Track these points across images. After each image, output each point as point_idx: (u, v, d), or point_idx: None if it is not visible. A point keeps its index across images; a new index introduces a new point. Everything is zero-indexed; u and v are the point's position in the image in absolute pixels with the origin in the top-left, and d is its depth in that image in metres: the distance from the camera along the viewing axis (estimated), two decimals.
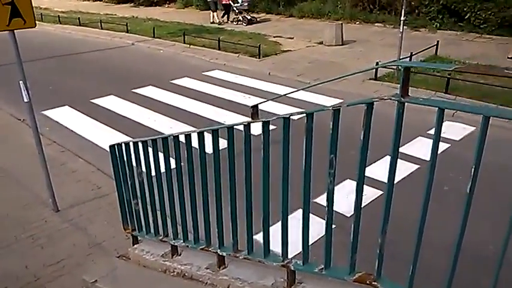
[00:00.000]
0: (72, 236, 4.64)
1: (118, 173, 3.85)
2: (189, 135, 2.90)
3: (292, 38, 14.95)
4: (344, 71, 10.91)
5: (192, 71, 11.43)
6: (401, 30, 9.50)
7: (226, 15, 18.41)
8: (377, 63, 9.91)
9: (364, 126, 1.84)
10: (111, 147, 3.81)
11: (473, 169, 1.55)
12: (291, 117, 2.30)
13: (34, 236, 4.61)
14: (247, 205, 2.59)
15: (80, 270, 3.96)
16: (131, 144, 3.49)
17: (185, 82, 10.58)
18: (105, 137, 7.45)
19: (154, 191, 3.43)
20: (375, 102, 1.74)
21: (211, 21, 18.30)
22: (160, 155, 3.17)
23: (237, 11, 17.84)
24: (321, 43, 13.86)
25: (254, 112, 2.36)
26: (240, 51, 12.97)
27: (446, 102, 1.58)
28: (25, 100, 4.54)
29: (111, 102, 9.25)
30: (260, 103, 2.46)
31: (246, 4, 17.98)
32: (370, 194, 5.70)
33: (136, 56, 13.76)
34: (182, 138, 2.95)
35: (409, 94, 1.67)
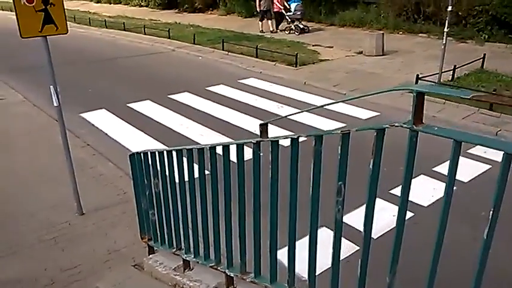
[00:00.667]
0: (93, 240, 4.66)
1: (137, 182, 3.83)
2: (202, 149, 2.81)
3: (332, 47, 14.70)
4: (382, 82, 10.59)
5: (228, 79, 11.44)
6: (444, 42, 9.10)
7: (277, 24, 17.82)
8: (417, 76, 9.55)
9: (374, 154, 1.67)
10: (131, 155, 3.79)
11: (491, 212, 1.36)
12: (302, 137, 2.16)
13: (57, 239, 4.68)
14: (254, 227, 2.47)
15: (95, 277, 3.96)
16: (149, 154, 3.45)
17: (220, 89, 10.59)
18: (136, 141, 7.55)
19: (169, 203, 3.37)
20: (396, 125, 1.57)
21: (261, 29, 17.80)
22: (176, 168, 3.11)
23: (289, 19, 17.23)
24: (361, 53, 13.54)
25: (263, 130, 2.22)
26: (277, 60, 12.89)
27: (465, 133, 1.40)
28: (55, 104, 4.63)
29: (147, 107, 9.39)
30: (270, 121, 2.33)
31: (299, 13, 17.13)
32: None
33: (176, 62, 13.97)
34: (196, 152, 2.87)
35: (423, 121, 1.50)
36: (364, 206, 1.92)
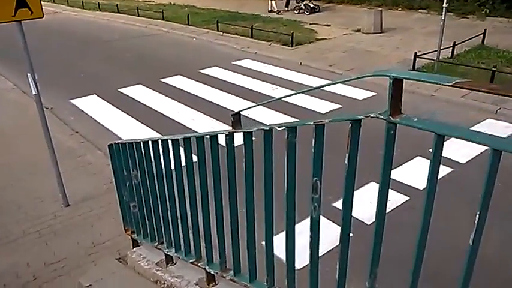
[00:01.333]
0: (78, 233, 4.53)
1: (117, 173, 3.66)
2: (177, 140, 2.63)
3: (329, 26, 14.37)
4: (379, 60, 10.32)
5: (222, 60, 11.18)
6: (443, 18, 8.79)
7: (286, 3, 17.37)
8: (415, 54, 9.28)
9: (349, 147, 1.48)
10: (110, 146, 3.62)
11: (478, 215, 1.19)
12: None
13: (41, 232, 4.54)
14: (232, 222, 2.30)
15: (78, 271, 3.83)
16: (127, 145, 3.27)
17: (214, 72, 10.34)
18: (126, 127, 7.38)
19: (149, 196, 3.21)
20: (371, 115, 1.38)
21: (269, 9, 17.23)
22: (152, 159, 2.94)
23: None
24: (359, 31, 13.23)
25: (235, 120, 2.03)
26: (272, 40, 12.58)
27: (447, 126, 1.22)
28: (33, 93, 4.44)
29: (138, 92, 9.17)
30: (242, 110, 2.13)
31: None
32: (395, 199, 5.30)
33: (169, 44, 13.66)
34: (171, 143, 2.68)
35: (402, 112, 1.31)
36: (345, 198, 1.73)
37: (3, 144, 6.83)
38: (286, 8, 17.33)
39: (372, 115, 1.35)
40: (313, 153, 1.64)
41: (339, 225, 1.69)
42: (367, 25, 12.92)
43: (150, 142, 2.88)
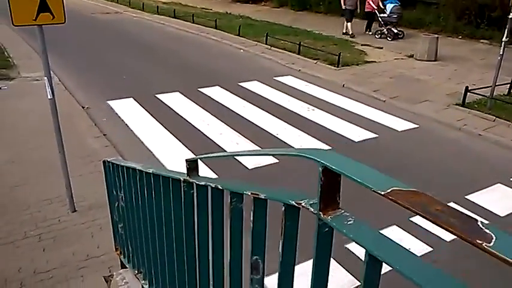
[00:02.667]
0: (76, 242, 4.44)
1: (110, 190, 3.52)
2: (158, 175, 2.37)
3: (381, 48, 13.83)
4: (428, 91, 9.72)
5: (264, 75, 10.99)
6: (501, 52, 8.10)
7: (367, 26, 15.96)
8: (466, 88, 8.64)
9: (283, 233, 1.17)
10: (104, 162, 3.48)
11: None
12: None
13: (41, 236, 4.50)
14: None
15: (63, 286, 3.72)
16: (115, 165, 3.11)
17: (253, 86, 10.17)
18: (153, 135, 7.34)
19: (132, 221, 3.02)
20: (302, 204, 1.07)
21: (344, 31, 15.66)
22: (132, 187, 2.74)
23: (382, 22, 15.08)
24: (412, 56, 12.61)
25: (190, 167, 1.77)
26: (319, 58, 12.25)
27: (384, 244, 0.90)
28: (48, 97, 4.42)
29: (174, 99, 9.15)
30: (200, 157, 1.87)
31: (395, 16, 14.83)
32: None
33: (216, 53, 13.68)
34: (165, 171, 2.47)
35: (340, 207, 1.00)
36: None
37: (23, 141, 6.89)
38: (368, 32, 15.85)
39: (303, 203, 1.05)
40: (252, 227, 1.35)
41: None
42: (420, 51, 12.29)
43: (130, 170, 2.69)
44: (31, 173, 5.85)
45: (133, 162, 2.81)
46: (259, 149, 6.48)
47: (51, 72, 10.92)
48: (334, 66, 11.54)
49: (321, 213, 0.98)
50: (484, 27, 14.66)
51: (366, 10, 15.43)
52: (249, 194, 1.28)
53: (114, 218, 3.55)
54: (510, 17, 7.77)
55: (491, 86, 8.44)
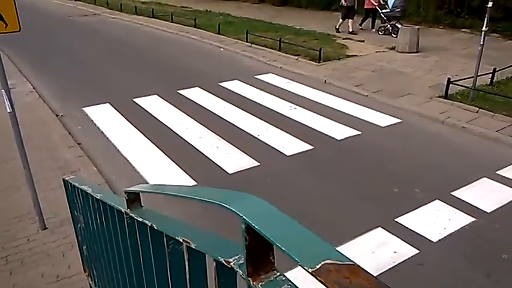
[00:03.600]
0: (46, 262, 4.21)
1: (71, 209, 3.30)
2: (105, 203, 2.15)
3: (363, 41, 13.69)
4: (410, 83, 9.61)
5: (244, 73, 10.78)
6: (481, 42, 7.99)
7: (370, 23, 14.96)
8: (448, 80, 8.53)
9: None
10: (64, 181, 3.25)
11: None
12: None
13: (8, 258, 4.25)
14: None
15: None
16: (71, 185, 2.89)
17: (234, 86, 9.95)
18: (130, 142, 7.08)
19: (91, 246, 2.81)
20: (231, 264, 0.88)
21: (337, 27, 14.85)
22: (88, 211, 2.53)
23: (385, 18, 14.19)
24: (393, 48, 12.49)
25: (131, 199, 1.57)
26: (300, 54, 12.07)
27: None
28: (8, 110, 4.16)
29: (152, 103, 8.89)
30: (142, 191, 1.66)
31: (398, 10, 13.87)
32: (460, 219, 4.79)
33: (195, 53, 13.41)
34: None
35: (275, 268, 0.81)
36: None
37: None
38: (360, 27, 15.03)
39: (232, 262, 0.86)
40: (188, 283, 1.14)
41: None
42: (402, 43, 12.17)
43: (83, 192, 2.48)
44: (2, 186, 5.58)
45: (88, 183, 2.59)
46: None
47: (25, 79, 10.56)
48: (316, 62, 11.36)
49: (250, 279, 0.78)
50: (464, 16, 14.62)
51: (365, 7, 14.65)
52: (181, 240, 1.08)
53: (79, 239, 3.33)
54: (489, 5, 7.67)
55: (473, 77, 8.34)
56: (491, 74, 9.15)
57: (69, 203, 3.28)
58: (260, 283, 0.77)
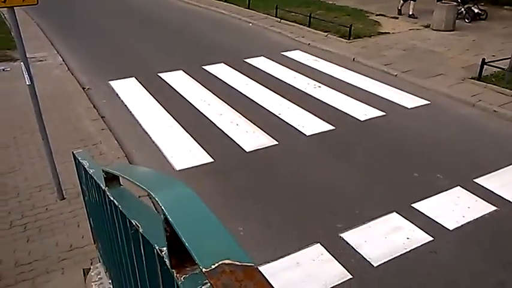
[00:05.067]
0: (61, 231, 4.35)
1: (80, 182, 3.36)
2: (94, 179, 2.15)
3: (397, 18, 13.17)
4: (442, 64, 9.21)
5: (271, 49, 10.60)
6: None
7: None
8: (482, 61, 8.10)
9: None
10: (73, 154, 3.30)
11: None
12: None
13: (27, 225, 4.42)
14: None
15: (43, 279, 3.63)
16: (79, 159, 2.92)
17: (259, 62, 9.82)
18: (151, 117, 7.15)
19: (95, 217, 2.86)
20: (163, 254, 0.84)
21: (399, 8, 13.23)
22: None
23: (459, 1, 12.33)
24: (428, 26, 11.95)
25: (109, 178, 1.55)
26: (330, 30, 11.74)
27: None
28: (27, 83, 4.24)
29: (176, 78, 8.91)
30: (120, 175, 1.65)
31: None
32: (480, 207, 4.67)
33: (223, 28, 13.27)
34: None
35: None
36: None
37: (19, 126, 6.75)
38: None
39: (164, 252, 0.82)
40: None
41: None
42: (438, 20, 11.62)
43: (83, 167, 2.50)
44: (24, 159, 5.76)
45: (88, 158, 2.62)
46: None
47: (56, 51, 10.77)
48: (346, 39, 11.04)
49: (174, 271, 0.75)
50: None
51: None
52: (134, 224, 1.06)
53: (87, 211, 3.40)
54: None
55: (510, 58, 7.89)
56: None
57: (78, 176, 3.34)
58: (184, 275, 0.73)
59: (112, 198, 1.43)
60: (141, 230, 1.01)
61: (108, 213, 1.65)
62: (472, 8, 12.46)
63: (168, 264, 0.78)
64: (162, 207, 0.72)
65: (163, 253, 0.83)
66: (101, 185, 1.69)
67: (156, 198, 0.76)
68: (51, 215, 4.60)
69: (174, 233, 0.72)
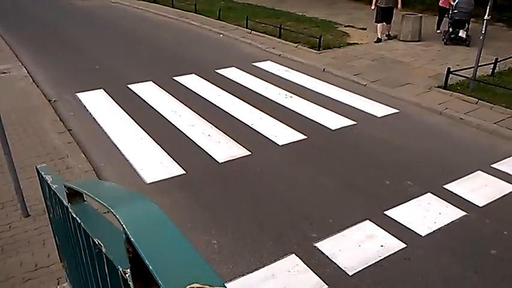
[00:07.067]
0: (25, 250, 4.15)
1: (44, 198, 3.21)
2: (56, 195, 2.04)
3: (365, 29, 13.44)
4: (410, 74, 9.42)
5: (242, 60, 10.61)
6: (483, 31, 7.80)
7: (438, 24, 12.72)
8: (448, 70, 8.34)
9: None
10: (36, 168, 3.15)
11: None
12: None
13: None
14: None
15: None
16: (42, 174, 2.79)
17: (230, 73, 9.80)
18: (121, 128, 6.99)
19: (58, 234, 2.73)
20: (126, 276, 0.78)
21: (379, 36, 11.78)
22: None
23: (450, 21, 11.41)
24: (395, 37, 12.25)
25: (71, 194, 1.46)
26: (300, 41, 11.86)
27: None
28: None
29: (146, 89, 8.76)
30: (75, 188, 1.56)
31: (464, 12, 11.02)
32: (451, 213, 4.71)
33: (194, 39, 13.21)
34: None
35: None
36: None
37: None
38: (438, 31, 12.41)
39: (127, 274, 0.76)
40: None
41: None
42: (404, 32, 11.93)
43: (45, 183, 2.38)
44: None
45: (52, 173, 2.50)
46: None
47: (21, 63, 10.44)
48: (315, 50, 11.17)
49: None
50: None
51: (439, 5, 12.35)
52: (97, 243, 0.98)
53: (53, 228, 3.25)
54: None
55: (473, 67, 8.15)
56: (492, 65, 8.95)
57: (42, 192, 3.19)
58: None
59: (75, 215, 1.34)
60: (104, 250, 0.94)
61: (72, 230, 1.56)
62: (460, 32, 11.27)
63: None
64: (123, 225, 0.65)
65: (127, 275, 0.76)
66: (64, 201, 1.59)
67: (117, 216, 0.69)
68: (15, 233, 4.39)
69: (137, 253, 0.66)
